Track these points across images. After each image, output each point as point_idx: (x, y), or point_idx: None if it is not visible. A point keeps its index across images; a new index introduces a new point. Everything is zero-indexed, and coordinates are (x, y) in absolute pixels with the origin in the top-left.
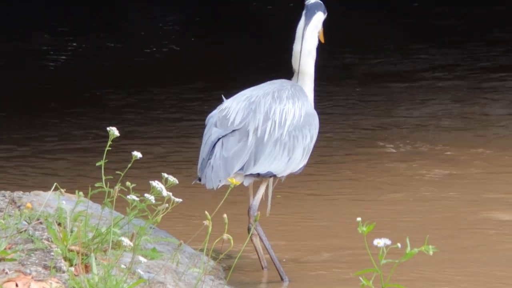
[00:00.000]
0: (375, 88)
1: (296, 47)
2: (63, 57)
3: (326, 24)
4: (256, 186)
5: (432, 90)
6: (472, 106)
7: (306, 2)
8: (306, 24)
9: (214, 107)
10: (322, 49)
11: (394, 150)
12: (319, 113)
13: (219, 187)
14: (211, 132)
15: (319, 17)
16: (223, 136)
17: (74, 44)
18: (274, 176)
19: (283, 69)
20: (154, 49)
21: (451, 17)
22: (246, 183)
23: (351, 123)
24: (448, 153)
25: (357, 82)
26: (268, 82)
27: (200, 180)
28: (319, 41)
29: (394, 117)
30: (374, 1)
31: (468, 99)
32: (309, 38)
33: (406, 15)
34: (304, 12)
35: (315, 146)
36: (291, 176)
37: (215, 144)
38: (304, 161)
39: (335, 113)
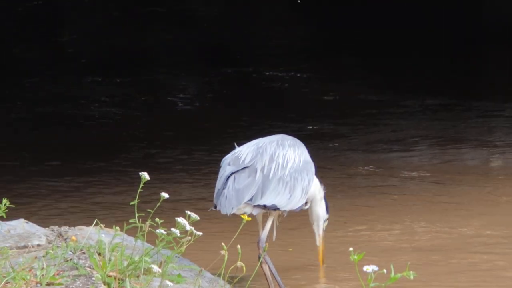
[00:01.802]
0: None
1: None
2: (103, 108)
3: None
4: (264, 221)
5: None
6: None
7: None
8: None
9: (227, 153)
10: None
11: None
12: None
13: (231, 213)
14: (225, 169)
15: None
16: (235, 172)
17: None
18: (278, 209)
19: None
20: (178, 108)
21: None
22: (254, 213)
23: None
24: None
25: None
26: (273, 136)
27: (215, 207)
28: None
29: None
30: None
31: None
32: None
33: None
34: None
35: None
36: (292, 213)
37: (228, 178)
38: (302, 201)
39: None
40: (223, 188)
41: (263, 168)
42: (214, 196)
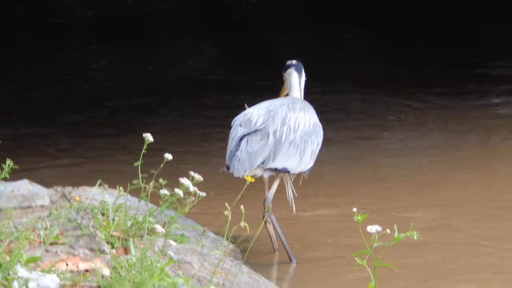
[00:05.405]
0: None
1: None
2: (104, 72)
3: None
4: (270, 182)
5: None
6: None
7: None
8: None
9: (236, 114)
10: None
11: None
12: (323, 124)
13: (244, 175)
14: (237, 130)
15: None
16: (247, 134)
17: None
18: (288, 172)
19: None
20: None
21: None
22: (265, 175)
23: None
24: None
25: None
26: (282, 98)
27: (228, 168)
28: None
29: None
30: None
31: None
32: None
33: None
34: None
35: (320, 152)
36: (299, 175)
37: (241, 140)
38: (311, 163)
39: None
40: (236, 150)
41: (275, 131)
42: (227, 157)
